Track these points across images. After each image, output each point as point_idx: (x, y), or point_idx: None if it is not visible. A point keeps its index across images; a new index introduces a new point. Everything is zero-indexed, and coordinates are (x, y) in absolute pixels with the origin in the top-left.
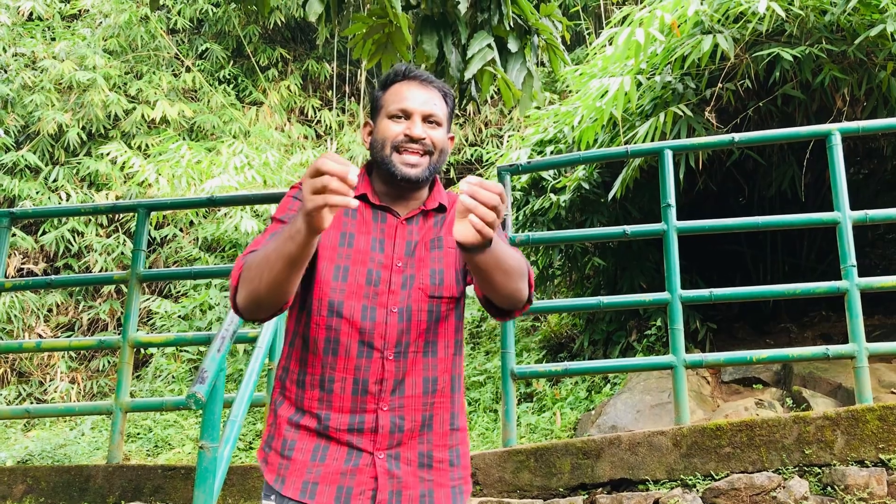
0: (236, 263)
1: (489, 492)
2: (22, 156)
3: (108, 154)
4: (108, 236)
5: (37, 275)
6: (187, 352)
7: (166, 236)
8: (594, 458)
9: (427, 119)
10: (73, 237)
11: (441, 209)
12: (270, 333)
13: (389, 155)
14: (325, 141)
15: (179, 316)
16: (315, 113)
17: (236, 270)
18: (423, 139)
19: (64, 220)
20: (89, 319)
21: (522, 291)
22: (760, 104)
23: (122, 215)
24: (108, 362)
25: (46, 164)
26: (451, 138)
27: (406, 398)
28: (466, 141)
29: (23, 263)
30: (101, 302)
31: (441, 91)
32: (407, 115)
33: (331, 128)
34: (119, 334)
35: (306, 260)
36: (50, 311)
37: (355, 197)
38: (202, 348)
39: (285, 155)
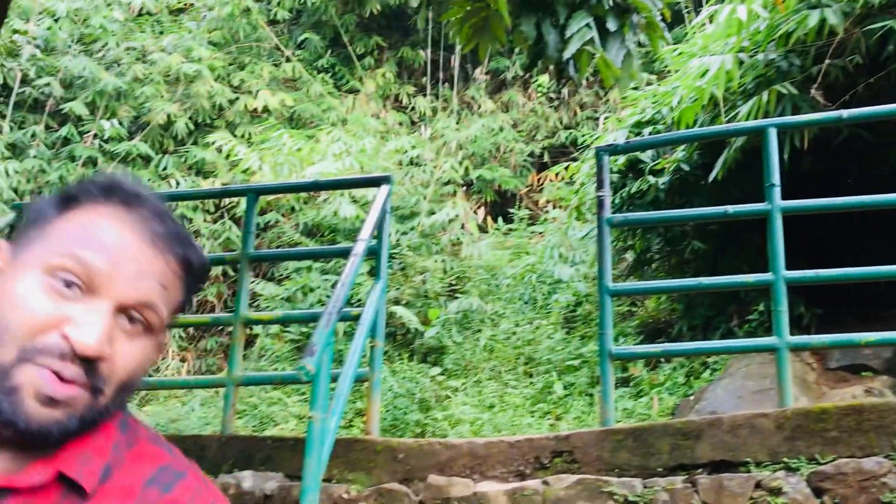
0: None
1: (587, 470)
2: (134, 145)
3: (213, 143)
4: (215, 222)
5: None
6: (290, 332)
7: (269, 222)
8: (694, 439)
9: (131, 312)
10: (182, 223)
11: (73, 487)
12: (372, 312)
13: (9, 365)
14: (420, 127)
15: (283, 298)
16: (409, 100)
17: None
18: (99, 360)
19: (174, 205)
20: (198, 301)
21: None
22: (871, 80)
23: (227, 202)
24: (216, 342)
25: (157, 153)
26: (164, 345)
27: None
28: (561, 123)
29: None
30: (208, 285)
31: (186, 264)
32: (87, 287)
33: (424, 114)
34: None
35: None
36: None
37: None
38: (304, 329)
39: (381, 141)
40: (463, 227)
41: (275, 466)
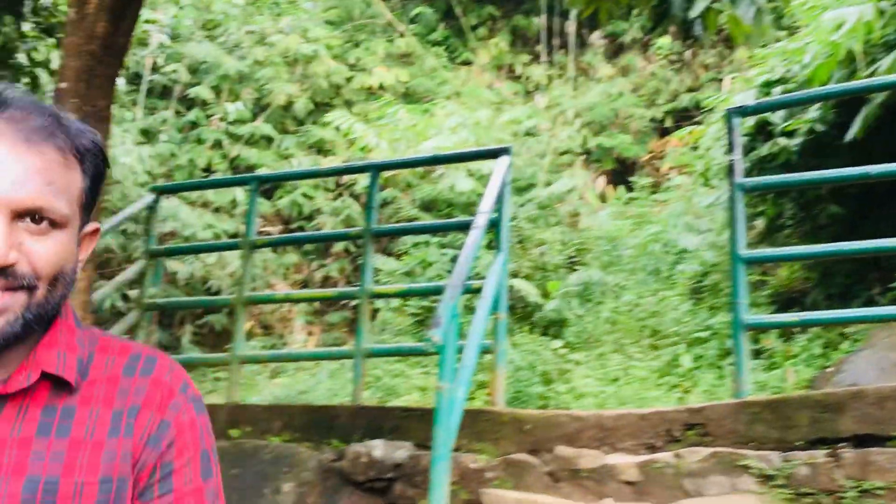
0: None
1: (721, 443)
2: (257, 127)
3: (331, 122)
4: (335, 199)
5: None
6: (410, 306)
7: (387, 198)
8: (835, 411)
9: (26, 216)
10: (305, 200)
11: (60, 385)
12: (494, 285)
13: None
14: (535, 97)
15: (402, 273)
16: (524, 69)
17: None
18: (11, 266)
19: (296, 184)
20: (321, 277)
21: None
22: None
23: (346, 179)
24: (340, 317)
25: (279, 134)
26: (96, 231)
27: None
28: (683, 86)
29: (262, 226)
30: (331, 261)
31: (74, 148)
32: None
33: (539, 83)
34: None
35: None
36: (287, 269)
37: None
38: (424, 303)
39: (496, 113)
40: (581, 197)
41: (404, 436)
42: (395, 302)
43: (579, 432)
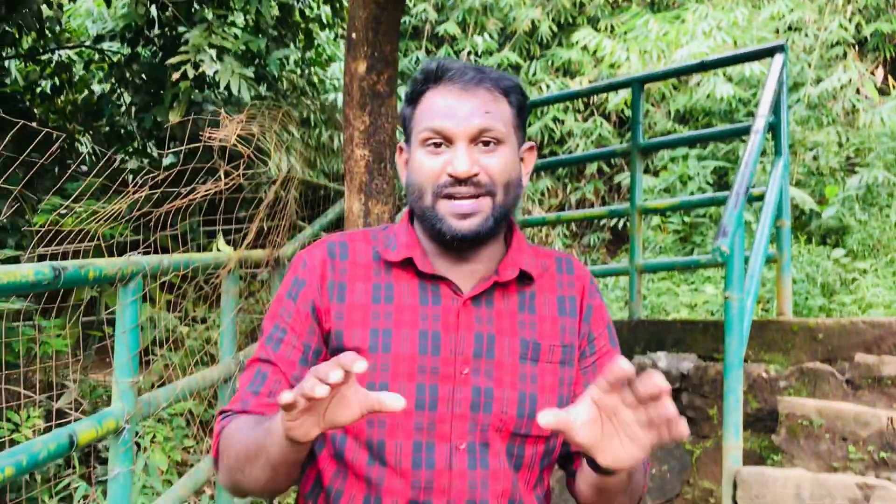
0: (216, 424)
1: None
2: (505, 56)
3: (577, 42)
4: (585, 120)
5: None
6: (672, 223)
7: None
8: None
9: (478, 140)
10: (555, 125)
11: (524, 278)
12: (777, 190)
13: (431, 205)
14: None
15: (661, 189)
16: None
17: (214, 441)
18: (475, 176)
19: (546, 110)
20: (576, 200)
21: None
22: None
23: (595, 100)
24: (598, 238)
25: (525, 60)
26: (532, 148)
27: None
28: None
29: None
30: (584, 183)
31: (498, 88)
32: (446, 140)
33: None
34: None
35: (298, 459)
36: (543, 194)
37: (397, 262)
38: (686, 219)
39: (754, 10)
40: (858, 91)
41: (686, 348)
42: (655, 220)
43: (880, 339)
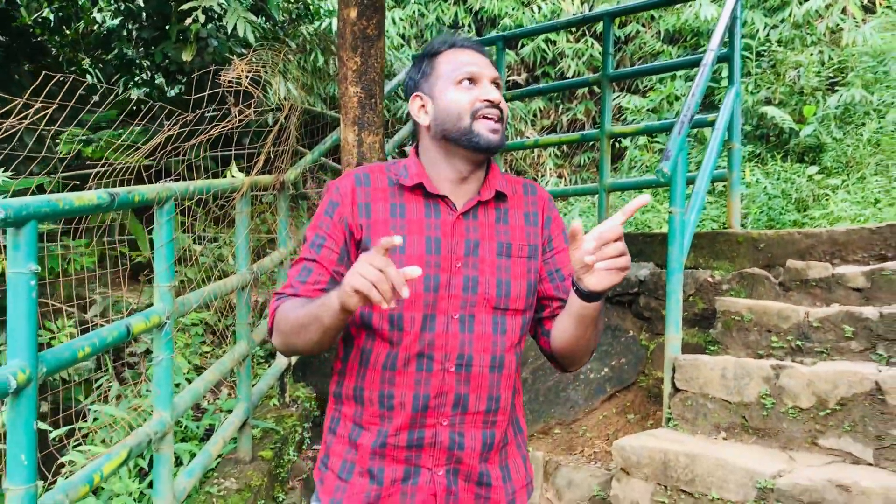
0: (271, 305)
1: None
2: None
3: None
4: (577, 41)
5: (521, 85)
6: (658, 142)
7: (629, 33)
8: None
9: (494, 83)
10: (547, 46)
11: (500, 197)
12: (727, 115)
13: (470, 125)
14: None
15: (648, 109)
16: None
17: (270, 314)
18: (500, 103)
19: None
20: (568, 120)
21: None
22: None
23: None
24: (588, 158)
25: None
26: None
27: (468, 415)
28: None
29: (508, 76)
30: (576, 104)
31: (487, 49)
32: (474, 81)
33: None
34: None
35: (343, 324)
36: (535, 115)
37: (409, 187)
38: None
39: None
40: (844, 10)
41: (646, 257)
42: (643, 139)
43: (812, 248)
